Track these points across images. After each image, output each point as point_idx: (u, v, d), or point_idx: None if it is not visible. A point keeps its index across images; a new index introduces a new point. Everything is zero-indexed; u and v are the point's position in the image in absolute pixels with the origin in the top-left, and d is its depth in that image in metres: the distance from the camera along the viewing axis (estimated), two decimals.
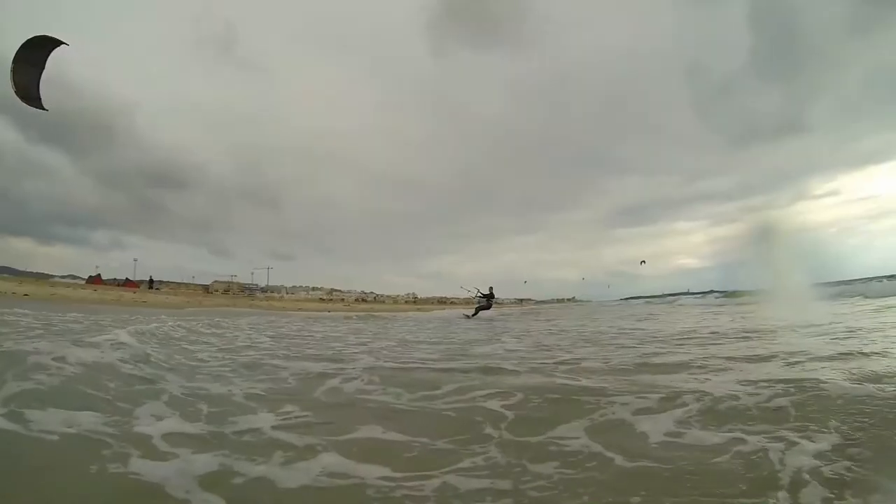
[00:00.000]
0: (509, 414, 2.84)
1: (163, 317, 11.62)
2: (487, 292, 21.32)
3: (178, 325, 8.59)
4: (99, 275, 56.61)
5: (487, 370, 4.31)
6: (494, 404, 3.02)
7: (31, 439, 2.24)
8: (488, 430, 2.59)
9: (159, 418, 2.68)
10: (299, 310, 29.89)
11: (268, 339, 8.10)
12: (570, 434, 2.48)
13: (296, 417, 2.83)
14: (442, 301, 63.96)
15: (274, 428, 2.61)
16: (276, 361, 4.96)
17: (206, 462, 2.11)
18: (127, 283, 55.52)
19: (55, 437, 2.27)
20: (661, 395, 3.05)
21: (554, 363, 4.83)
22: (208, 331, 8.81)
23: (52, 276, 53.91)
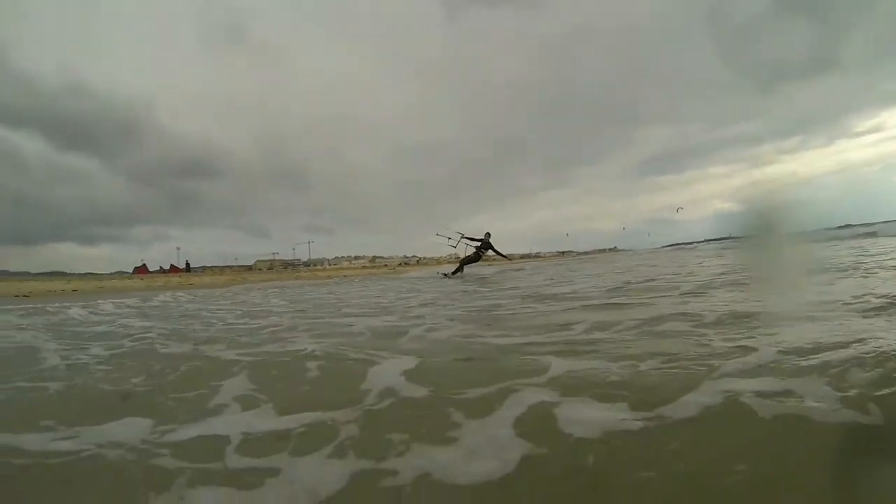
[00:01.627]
0: None
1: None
2: (479, 238, 13.98)
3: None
4: (144, 265, 59.02)
5: None
6: None
7: None
8: None
9: None
10: (344, 276, 29.31)
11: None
12: None
13: None
14: None
15: None
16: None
17: None
18: (171, 270, 57.45)
19: None
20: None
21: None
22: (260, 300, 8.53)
23: (101, 274, 56.01)
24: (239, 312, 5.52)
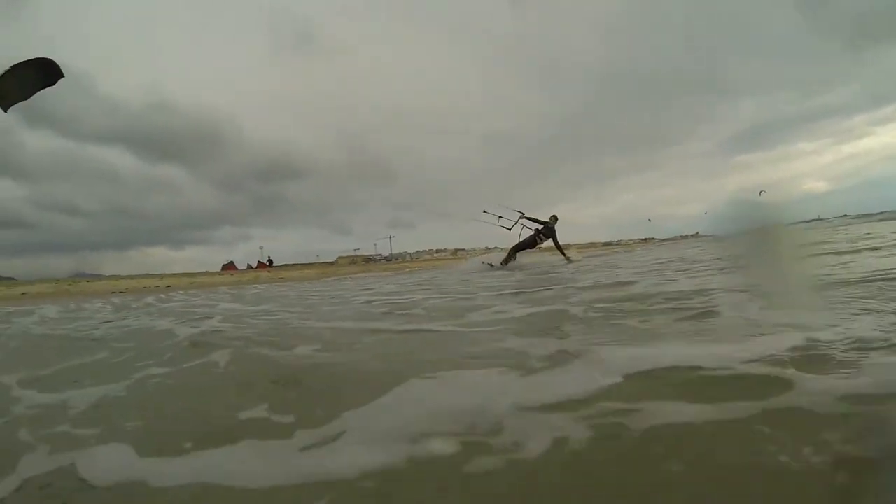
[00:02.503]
0: None
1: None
2: (543, 221, 11.18)
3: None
4: (231, 262, 61.36)
5: None
6: None
7: None
8: None
9: None
10: (434, 267, 29.22)
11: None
12: None
13: None
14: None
15: None
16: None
17: None
18: (259, 266, 60.61)
19: None
20: None
21: None
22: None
23: (193, 273, 58.33)
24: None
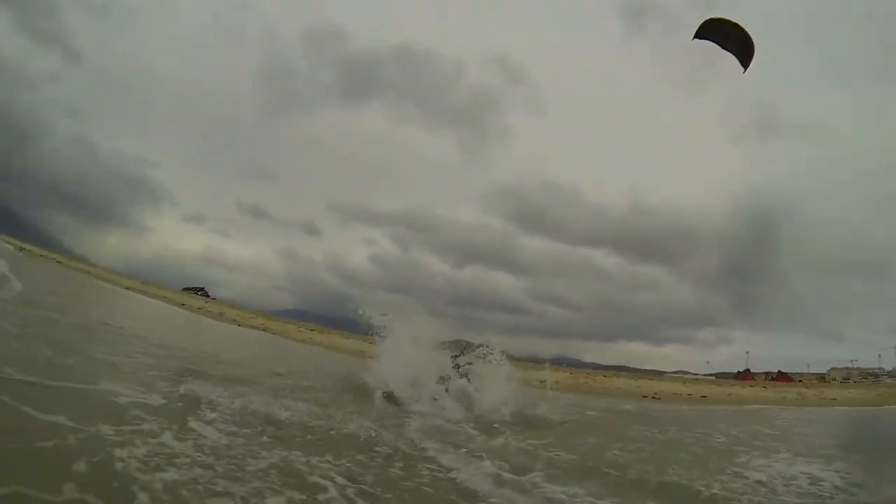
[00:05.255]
0: None
1: None
2: None
3: None
4: (748, 370, 62.34)
5: None
6: None
7: None
8: None
9: None
10: None
11: None
12: None
13: None
14: None
15: None
16: None
17: None
18: (745, 376, 58.18)
19: None
20: None
21: None
22: None
23: (665, 373, 58.65)
24: None
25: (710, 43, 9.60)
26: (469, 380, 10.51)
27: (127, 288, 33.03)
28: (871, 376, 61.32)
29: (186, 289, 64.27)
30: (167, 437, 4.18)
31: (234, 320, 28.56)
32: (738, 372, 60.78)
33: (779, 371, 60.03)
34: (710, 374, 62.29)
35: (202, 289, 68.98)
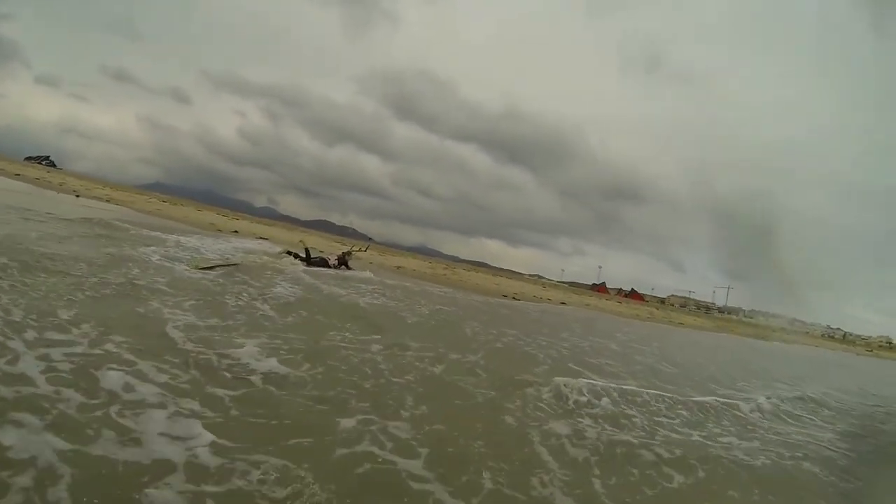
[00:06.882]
0: None
1: None
2: None
3: None
4: (604, 283, 63.63)
5: None
6: None
7: None
8: None
9: None
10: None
11: None
12: None
13: None
14: None
15: None
16: None
17: None
18: (600, 288, 60.40)
19: None
20: None
21: None
22: None
23: (522, 274, 61.27)
24: None
25: None
26: None
27: None
28: (704, 308, 66.98)
29: (29, 158, 60.04)
30: None
31: (75, 191, 25.18)
32: (594, 284, 61.03)
33: (632, 289, 61.02)
34: (564, 283, 62.36)
35: (47, 157, 64.11)
